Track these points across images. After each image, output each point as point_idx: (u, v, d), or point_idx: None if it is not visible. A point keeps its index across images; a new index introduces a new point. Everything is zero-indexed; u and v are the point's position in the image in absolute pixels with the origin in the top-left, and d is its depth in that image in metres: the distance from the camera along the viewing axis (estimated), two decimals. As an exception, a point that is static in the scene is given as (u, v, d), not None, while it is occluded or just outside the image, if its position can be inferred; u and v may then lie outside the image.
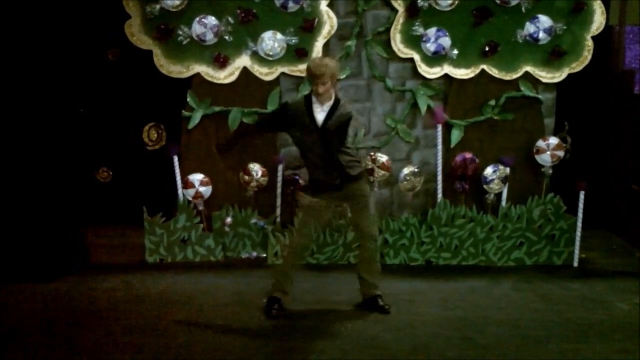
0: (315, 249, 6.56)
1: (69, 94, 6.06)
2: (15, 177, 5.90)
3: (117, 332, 4.95)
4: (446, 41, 6.60)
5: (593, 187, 6.71)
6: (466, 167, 6.67)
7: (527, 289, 5.95)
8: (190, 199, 6.69)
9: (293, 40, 6.59)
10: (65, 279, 6.09)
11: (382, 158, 6.64)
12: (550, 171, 6.71)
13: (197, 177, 6.70)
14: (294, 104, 5.32)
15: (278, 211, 6.78)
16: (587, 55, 6.66)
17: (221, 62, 6.61)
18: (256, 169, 6.70)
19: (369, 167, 6.57)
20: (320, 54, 6.54)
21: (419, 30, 6.61)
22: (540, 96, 6.78)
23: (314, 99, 5.13)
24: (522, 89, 6.70)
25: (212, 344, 4.74)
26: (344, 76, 6.71)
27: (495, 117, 6.76)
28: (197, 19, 6.48)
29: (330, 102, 5.12)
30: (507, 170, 6.62)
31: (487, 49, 6.62)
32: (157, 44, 6.58)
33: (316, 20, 6.56)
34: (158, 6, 6.48)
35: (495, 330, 5.00)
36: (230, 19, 6.53)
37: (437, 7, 6.56)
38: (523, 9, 6.56)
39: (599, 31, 6.67)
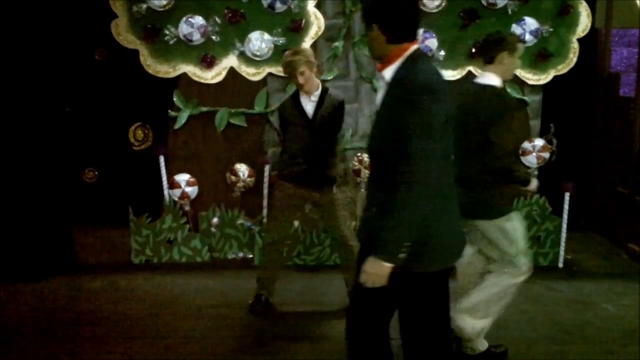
0: (302, 250, 6.55)
1: (55, 93, 6.01)
2: (1, 177, 5.85)
3: (105, 334, 4.91)
4: (433, 43, 6.62)
5: (579, 189, 6.74)
6: (453, 168, 6.67)
7: (514, 290, 5.96)
8: (176, 199, 6.66)
9: (280, 41, 6.58)
10: (52, 279, 6.04)
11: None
12: (537, 173, 6.74)
13: (183, 178, 6.67)
14: (283, 104, 5.31)
15: (265, 212, 6.76)
16: (573, 57, 6.71)
17: (208, 63, 6.58)
18: (243, 169, 6.68)
19: (356, 167, 6.57)
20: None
21: (407, 31, 6.61)
22: (526, 98, 6.83)
23: (300, 92, 5.08)
24: (508, 90, 6.72)
25: (199, 345, 4.72)
26: (332, 77, 6.72)
27: (482, 119, 6.77)
28: (185, 18, 6.46)
29: (318, 92, 5.04)
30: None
31: (474, 50, 6.65)
32: (143, 44, 6.54)
33: (304, 21, 6.56)
34: (145, 6, 6.44)
35: (483, 331, 5.01)
36: (217, 19, 6.51)
37: (424, 9, 6.55)
38: (510, 11, 6.60)
39: (584, 33, 6.72)
